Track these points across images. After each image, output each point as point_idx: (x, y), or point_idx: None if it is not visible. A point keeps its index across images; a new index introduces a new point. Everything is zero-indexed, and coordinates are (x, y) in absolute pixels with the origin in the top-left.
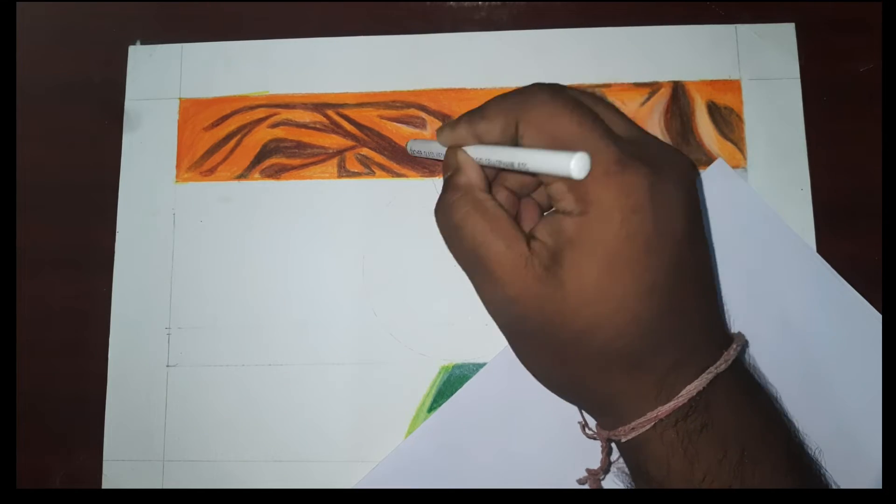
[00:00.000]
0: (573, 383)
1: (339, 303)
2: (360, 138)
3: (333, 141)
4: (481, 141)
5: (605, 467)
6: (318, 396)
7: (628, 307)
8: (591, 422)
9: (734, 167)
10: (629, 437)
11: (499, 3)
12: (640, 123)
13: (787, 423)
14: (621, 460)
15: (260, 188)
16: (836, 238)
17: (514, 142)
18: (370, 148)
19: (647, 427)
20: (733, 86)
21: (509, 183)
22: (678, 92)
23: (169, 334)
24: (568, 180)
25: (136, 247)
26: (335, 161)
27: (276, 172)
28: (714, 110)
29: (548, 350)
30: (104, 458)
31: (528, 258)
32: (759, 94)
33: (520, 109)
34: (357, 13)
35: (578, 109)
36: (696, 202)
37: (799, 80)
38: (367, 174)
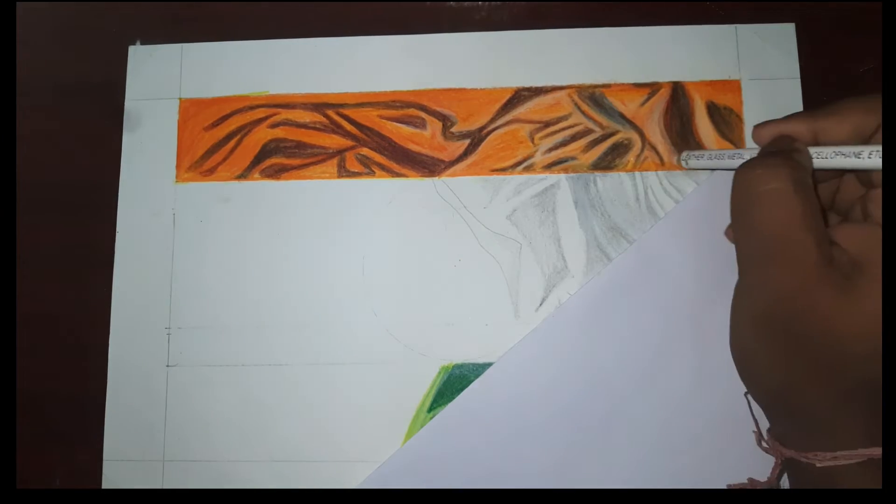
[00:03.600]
0: (801, 395)
1: (339, 303)
2: (360, 138)
3: (333, 141)
4: (817, 140)
5: (774, 483)
6: (318, 396)
7: None
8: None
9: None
10: (825, 464)
11: (499, 3)
12: (639, 124)
13: None
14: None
15: (260, 188)
16: None
17: (866, 142)
18: (370, 148)
19: (850, 461)
20: (733, 86)
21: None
22: (678, 92)
23: (169, 334)
24: None
25: (136, 247)
26: (335, 161)
27: (276, 172)
28: (714, 110)
29: (802, 356)
30: (104, 458)
31: (830, 262)
32: (759, 94)
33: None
34: (357, 13)
35: None
36: None
37: (799, 80)
38: (367, 174)
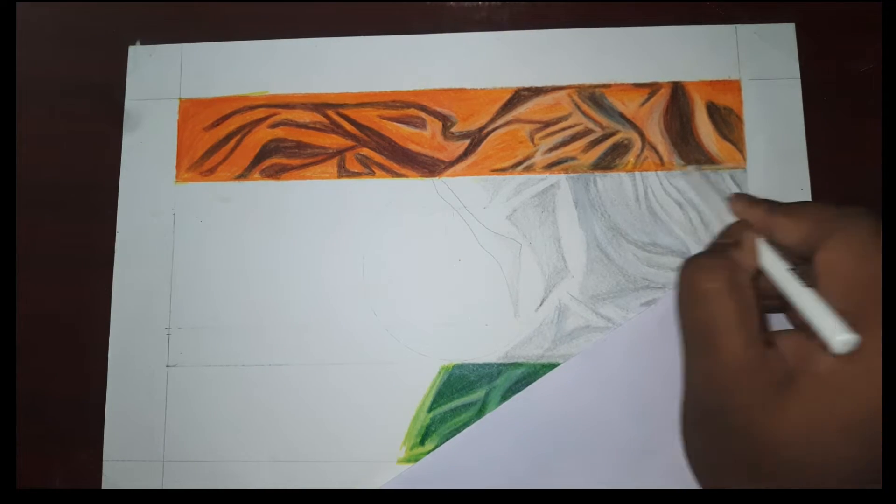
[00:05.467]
0: (728, 475)
1: (339, 303)
2: (360, 138)
3: (333, 141)
4: (771, 235)
5: None
6: (318, 396)
7: (840, 467)
8: None
9: (734, 168)
10: None
11: (499, 3)
12: (639, 124)
13: None
14: None
15: (260, 188)
16: None
17: (805, 256)
18: (370, 148)
19: None
20: (733, 86)
21: (764, 283)
22: (678, 92)
23: (169, 334)
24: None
25: (136, 247)
26: (335, 161)
27: (276, 172)
28: (714, 111)
29: (734, 453)
30: (104, 458)
31: (759, 366)
32: (759, 94)
33: (838, 222)
34: (357, 13)
35: (880, 262)
36: None
37: (799, 80)
38: (367, 174)
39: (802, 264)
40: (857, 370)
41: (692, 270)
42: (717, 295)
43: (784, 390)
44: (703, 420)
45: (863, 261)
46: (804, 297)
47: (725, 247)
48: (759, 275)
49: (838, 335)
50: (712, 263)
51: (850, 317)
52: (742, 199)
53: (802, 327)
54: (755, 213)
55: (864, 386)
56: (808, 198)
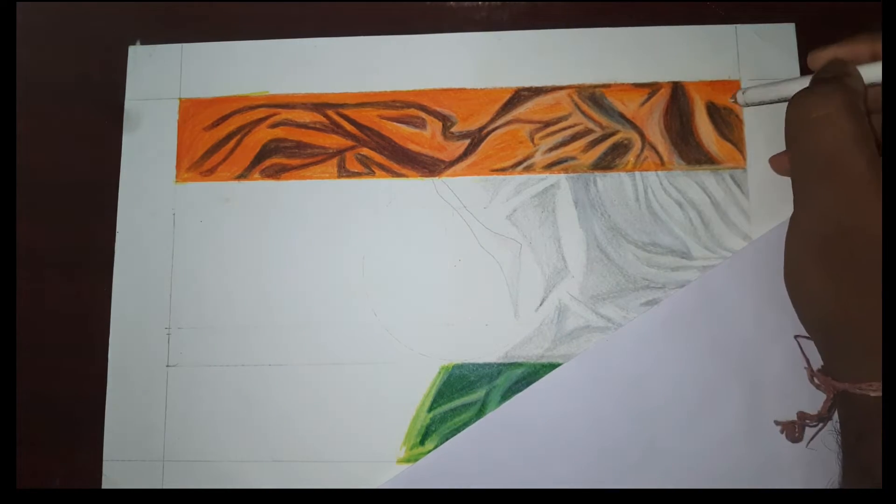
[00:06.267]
0: (852, 317)
1: (339, 303)
2: (360, 138)
3: (333, 141)
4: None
5: (825, 416)
6: (317, 396)
7: None
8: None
9: (734, 167)
10: (879, 393)
11: (499, 3)
12: (639, 124)
13: None
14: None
15: (260, 188)
16: None
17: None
18: (370, 148)
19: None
20: (733, 86)
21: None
22: (678, 92)
23: (169, 334)
24: None
25: (136, 247)
26: (335, 161)
27: (276, 172)
28: (713, 111)
29: (853, 276)
30: (104, 458)
31: (882, 181)
32: None
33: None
34: (357, 13)
35: None
36: None
37: None
38: (367, 174)
39: None
40: None
41: (803, 100)
42: (833, 119)
43: None
44: (828, 246)
45: None
46: None
47: (829, 79)
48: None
49: None
50: (825, 89)
51: None
52: (828, 49)
53: None
54: (852, 48)
55: None
56: None
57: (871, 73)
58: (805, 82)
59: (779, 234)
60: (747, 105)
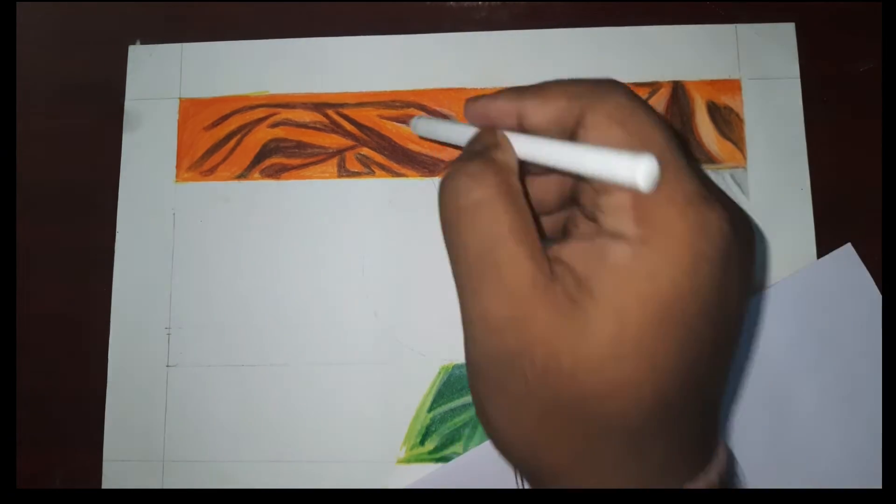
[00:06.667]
0: (538, 451)
1: (339, 303)
2: (360, 138)
3: (333, 141)
4: (522, 124)
5: None
6: (317, 397)
7: (660, 376)
8: None
9: (734, 167)
10: None
11: (499, 3)
12: None
13: None
14: None
15: (260, 188)
16: (836, 238)
17: (566, 136)
18: (370, 148)
19: None
20: (733, 86)
21: (532, 191)
22: (678, 92)
23: (169, 334)
24: (633, 194)
25: (136, 247)
26: (335, 161)
27: (276, 172)
28: (714, 110)
29: (532, 403)
30: (104, 458)
31: (551, 279)
32: (759, 94)
33: (593, 96)
34: (357, 13)
35: (662, 119)
36: (751, 282)
37: (799, 80)
38: (367, 174)
39: None
40: (661, 247)
41: (451, 179)
42: (486, 204)
43: (579, 305)
44: (485, 372)
45: (629, 127)
46: (579, 152)
47: (481, 152)
48: (524, 177)
49: (640, 164)
50: (474, 169)
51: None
52: (475, 101)
53: (584, 233)
54: (498, 106)
55: (671, 265)
56: (809, 198)
57: (524, 146)
58: (469, 133)
59: (820, 268)
60: (421, 137)
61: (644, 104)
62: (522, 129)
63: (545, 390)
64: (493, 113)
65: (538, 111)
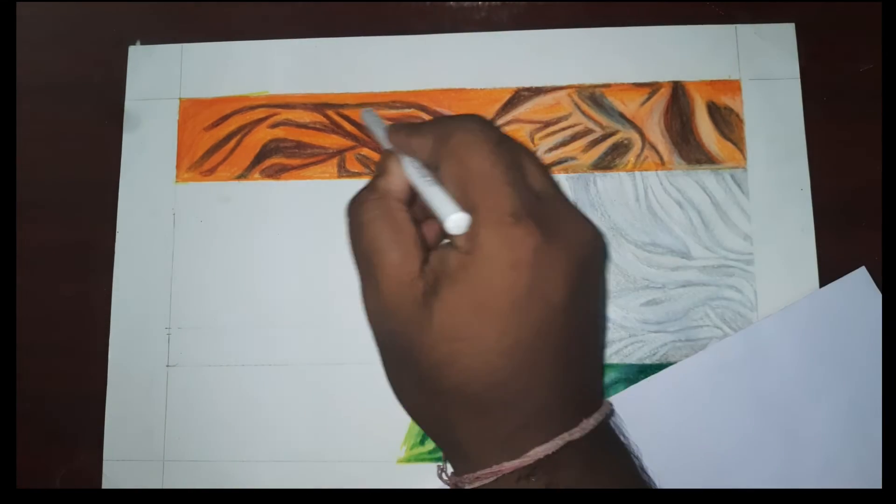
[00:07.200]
0: (430, 417)
1: (340, 302)
2: (360, 138)
3: (333, 141)
4: (414, 155)
5: None
6: (318, 396)
7: (486, 356)
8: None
9: (734, 167)
10: (472, 485)
11: (499, 3)
12: (639, 124)
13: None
14: None
15: (260, 188)
16: (836, 238)
17: (437, 165)
18: (370, 148)
19: (490, 479)
20: (733, 86)
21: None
22: (678, 92)
23: (169, 334)
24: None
25: (136, 247)
26: (335, 161)
27: (276, 172)
28: (714, 110)
29: (409, 375)
30: (104, 458)
31: (415, 278)
32: (759, 94)
33: (448, 134)
34: (357, 13)
35: (498, 150)
36: (587, 274)
37: (799, 80)
38: (367, 174)
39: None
40: (479, 257)
41: (351, 208)
42: (371, 223)
43: (428, 298)
44: (382, 353)
45: (470, 160)
46: (428, 191)
47: (374, 177)
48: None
49: (450, 214)
50: (364, 196)
51: (468, 209)
52: (393, 129)
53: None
54: (396, 138)
55: (486, 271)
56: (809, 198)
57: (409, 172)
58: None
59: (837, 290)
60: (363, 123)
61: (487, 136)
62: (414, 158)
63: (412, 363)
64: (396, 144)
65: (419, 147)
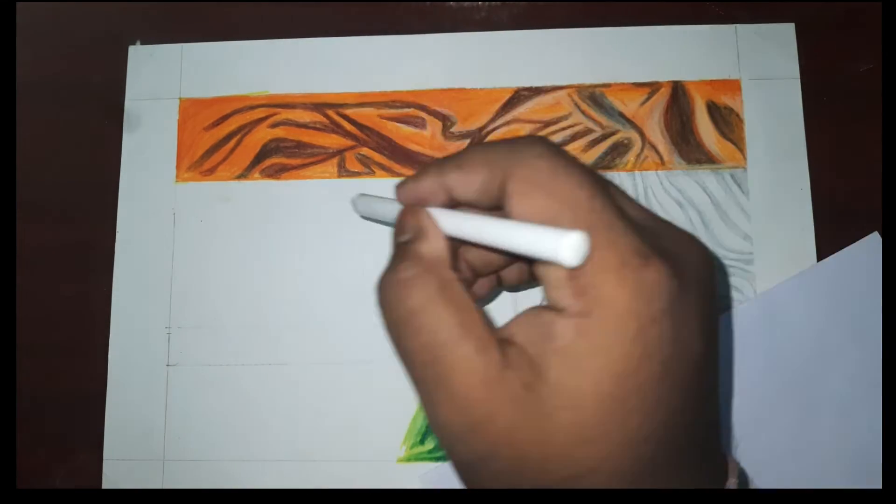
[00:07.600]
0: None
1: (339, 302)
2: (360, 138)
3: (333, 141)
4: (451, 198)
5: None
6: (317, 396)
7: (631, 448)
8: None
9: (734, 167)
10: None
11: (499, 3)
12: (639, 123)
13: None
14: None
15: (260, 188)
16: (836, 238)
17: (496, 204)
18: (370, 148)
19: None
20: (733, 86)
21: (472, 255)
22: (678, 92)
23: (169, 334)
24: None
25: (136, 247)
26: (335, 161)
27: (276, 172)
28: (714, 110)
29: (510, 483)
30: (104, 458)
31: (503, 370)
32: (759, 94)
33: (511, 161)
34: (357, 13)
35: (586, 172)
36: (716, 309)
37: (799, 80)
38: (367, 174)
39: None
40: (604, 317)
41: (389, 292)
42: (425, 309)
43: (535, 392)
44: (468, 477)
45: (560, 189)
46: (503, 230)
47: (408, 245)
48: (457, 258)
49: (563, 240)
50: (405, 272)
51: None
52: (405, 183)
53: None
54: (420, 186)
55: (618, 335)
56: (809, 198)
57: (453, 223)
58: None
59: (850, 255)
60: (363, 217)
61: (565, 160)
62: (453, 202)
63: (521, 483)
64: (422, 194)
65: (461, 185)
